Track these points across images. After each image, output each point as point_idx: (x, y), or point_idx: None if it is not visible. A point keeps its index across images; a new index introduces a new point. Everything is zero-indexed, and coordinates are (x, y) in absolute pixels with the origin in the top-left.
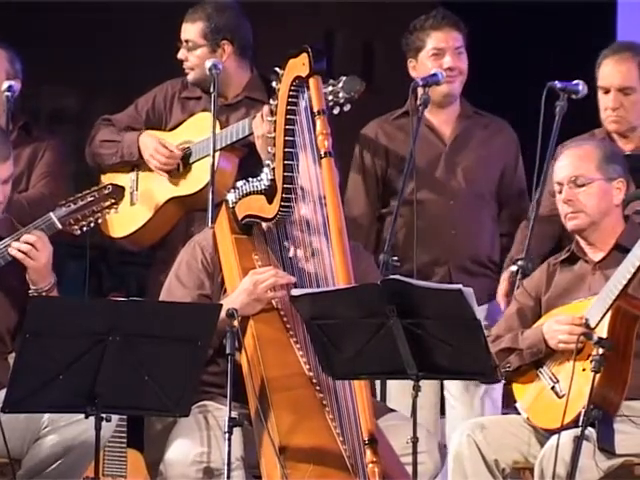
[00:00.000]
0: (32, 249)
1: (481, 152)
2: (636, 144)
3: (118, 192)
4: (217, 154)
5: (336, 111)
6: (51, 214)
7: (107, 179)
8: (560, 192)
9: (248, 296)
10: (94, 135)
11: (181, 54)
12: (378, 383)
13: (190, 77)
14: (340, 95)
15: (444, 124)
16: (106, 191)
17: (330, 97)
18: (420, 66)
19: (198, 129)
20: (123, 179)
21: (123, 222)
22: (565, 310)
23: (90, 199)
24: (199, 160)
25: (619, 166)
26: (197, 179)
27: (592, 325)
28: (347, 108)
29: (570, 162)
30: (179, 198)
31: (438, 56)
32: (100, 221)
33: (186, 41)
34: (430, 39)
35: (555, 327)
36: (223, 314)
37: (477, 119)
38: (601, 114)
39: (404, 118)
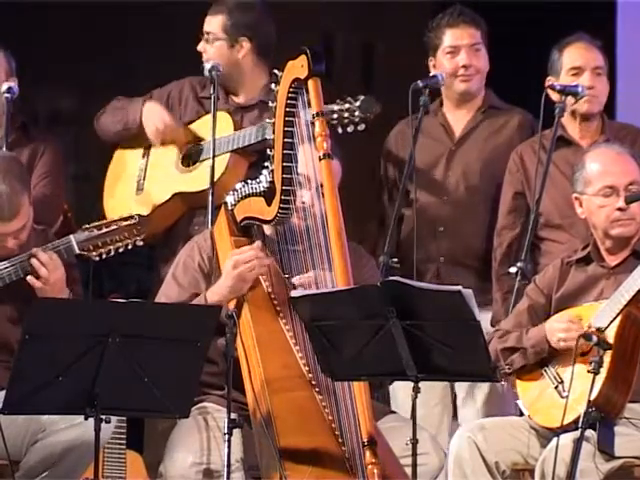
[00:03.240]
0: (42, 267)
1: (485, 147)
2: (592, 135)
3: (143, 224)
4: (227, 155)
5: (350, 129)
6: (71, 237)
7: (119, 155)
8: (608, 196)
9: (232, 278)
10: (106, 107)
11: (201, 46)
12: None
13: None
14: (356, 114)
15: (458, 122)
16: (132, 221)
17: (346, 114)
18: (438, 64)
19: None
20: (133, 165)
21: (127, 210)
22: (574, 312)
23: (114, 227)
24: (209, 159)
25: None
26: (203, 177)
27: (602, 328)
28: (361, 128)
29: (623, 168)
30: (184, 194)
31: (454, 54)
32: (121, 250)
33: (207, 33)
34: (446, 36)
35: (555, 326)
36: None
37: (490, 113)
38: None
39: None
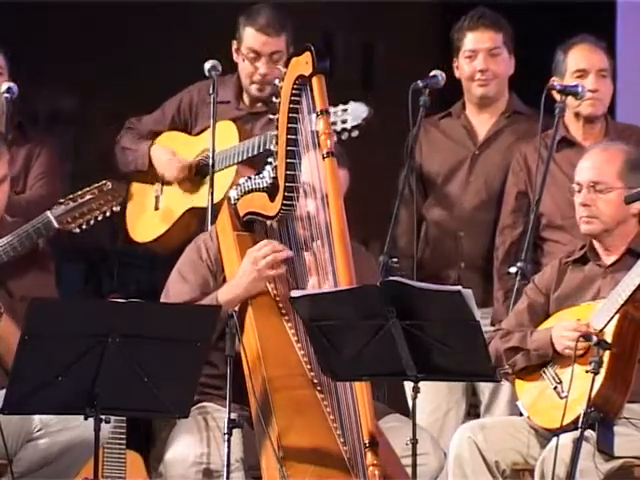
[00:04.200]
0: None
1: (509, 153)
2: (596, 136)
3: (118, 189)
4: (235, 167)
5: (344, 137)
6: (48, 213)
7: (136, 186)
8: (579, 192)
9: (249, 275)
10: (119, 140)
11: (263, 68)
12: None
13: (266, 92)
14: (348, 122)
15: (482, 125)
16: (105, 188)
17: (338, 124)
18: (460, 67)
19: (220, 139)
20: (151, 186)
21: (147, 227)
22: (573, 312)
23: (89, 197)
24: (218, 172)
25: None
26: (216, 190)
27: (598, 329)
28: (355, 134)
29: (592, 165)
30: (198, 209)
31: (472, 57)
32: (100, 219)
33: (272, 53)
34: (466, 39)
35: (563, 333)
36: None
37: (514, 118)
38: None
39: (445, 119)
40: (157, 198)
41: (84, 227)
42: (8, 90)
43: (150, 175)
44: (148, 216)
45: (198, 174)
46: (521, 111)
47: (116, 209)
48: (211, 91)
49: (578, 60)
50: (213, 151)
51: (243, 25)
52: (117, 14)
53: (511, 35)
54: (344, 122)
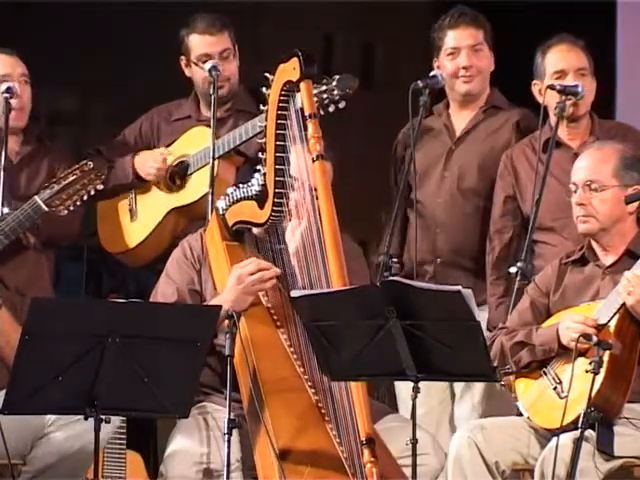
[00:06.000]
0: None
1: (483, 147)
2: (582, 136)
3: (100, 168)
4: (216, 162)
5: (331, 109)
6: (36, 197)
7: (104, 205)
8: (575, 192)
9: (235, 292)
10: None
11: (219, 67)
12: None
13: (225, 90)
14: (334, 92)
15: (461, 121)
16: (87, 168)
17: (325, 95)
18: (441, 65)
19: (194, 143)
20: (122, 199)
21: (125, 238)
22: (574, 312)
23: (73, 178)
24: (197, 170)
25: (637, 173)
26: (196, 188)
27: (603, 322)
28: (342, 105)
29: (587, 165)
30: (179, 209)
31: (454, 55)
32: (85, 198)
33: (222, 52)
34: (447, 38)
35: (569, 325)
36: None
37: (490, 112)
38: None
39: (427, 118)
40: (131, 211)
41: (71, 208)
42: (8, 90)
43: (120, 190)
44: (125, 229)
45: (173, 179)
46: (499, 105)
47: (100, 187)
48: (211, 91)
49: (556, 61)
50: (213, 150)
51: (186, 35)
52: (117, 14)
53: (490, 31)
54: (331, 93)
